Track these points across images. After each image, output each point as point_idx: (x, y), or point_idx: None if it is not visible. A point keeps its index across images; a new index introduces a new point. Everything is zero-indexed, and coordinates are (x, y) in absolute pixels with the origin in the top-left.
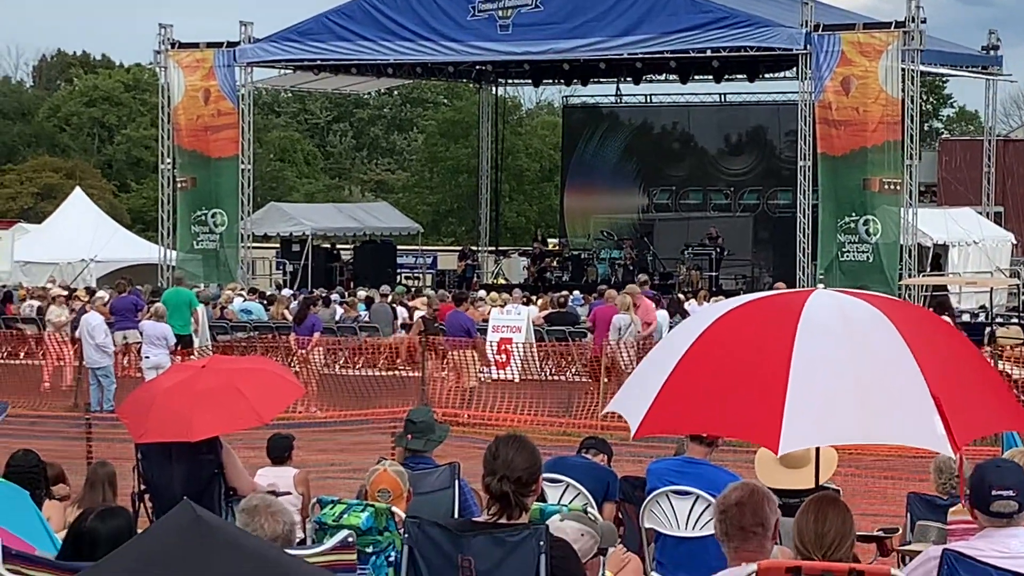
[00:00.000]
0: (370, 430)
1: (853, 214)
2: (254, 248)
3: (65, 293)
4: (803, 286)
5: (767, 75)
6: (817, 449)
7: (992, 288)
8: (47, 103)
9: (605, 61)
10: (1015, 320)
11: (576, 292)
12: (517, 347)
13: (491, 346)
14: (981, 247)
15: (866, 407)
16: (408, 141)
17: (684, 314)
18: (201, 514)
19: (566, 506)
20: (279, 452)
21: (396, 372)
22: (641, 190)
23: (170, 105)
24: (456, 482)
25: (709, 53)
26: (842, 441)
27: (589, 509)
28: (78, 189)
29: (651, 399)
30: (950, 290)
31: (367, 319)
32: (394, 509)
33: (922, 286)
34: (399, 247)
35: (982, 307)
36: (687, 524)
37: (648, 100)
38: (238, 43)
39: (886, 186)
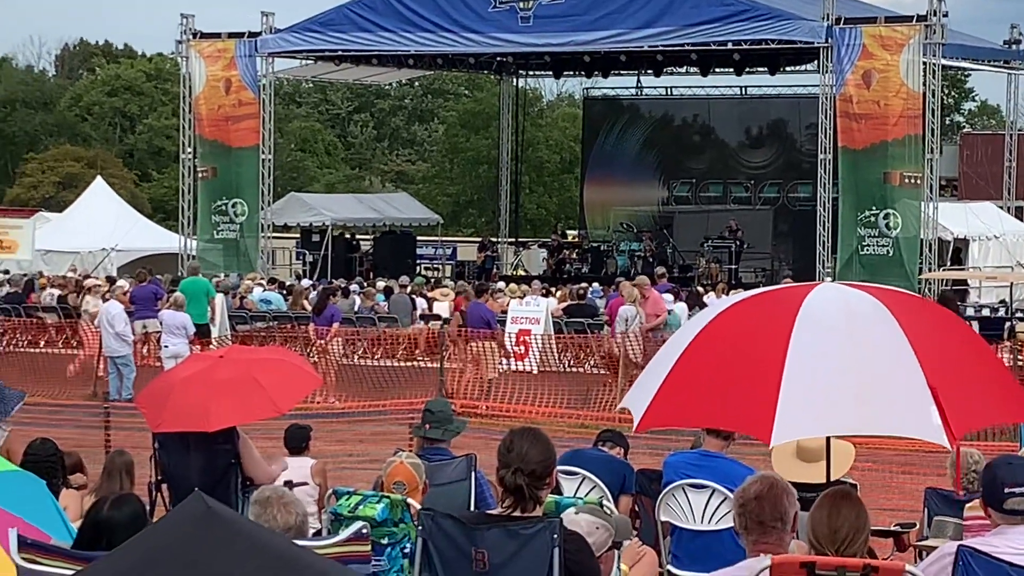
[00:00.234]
0: (388, 421)
1: (873, 208)
2: (274, 238)
3: (101, 283)
4: (823, 279)
5: (788, 68)
6: (828, 442)
7: (1012, 283)
8: (69, 92)
9: (626, 53)
10: None
11: (595, 284)
12: (536, 339)
13: (510, 337)
14: (1001, 241)
15: (861, 398)
16: (429, 132)
17: (703, 307)
18: (212, 505)
19: (581, 499)
20: (296, 443)
21: (415, 363)
22: (661, 182)
23: (191, 95)
24: (472, 474)
25: (730, 46)
26: (836, 432)
27: (605, 502)
28: (99, 178)
29: (653, 393)
30: (970, 284)
31: (386, 309)
32: (409, 501)
33: (942, 280)
34: (419, 238)
35: (1002, 301)
36: (703, 517)
37: (669, 92)
38: (259, 33)
39: (906, 180)
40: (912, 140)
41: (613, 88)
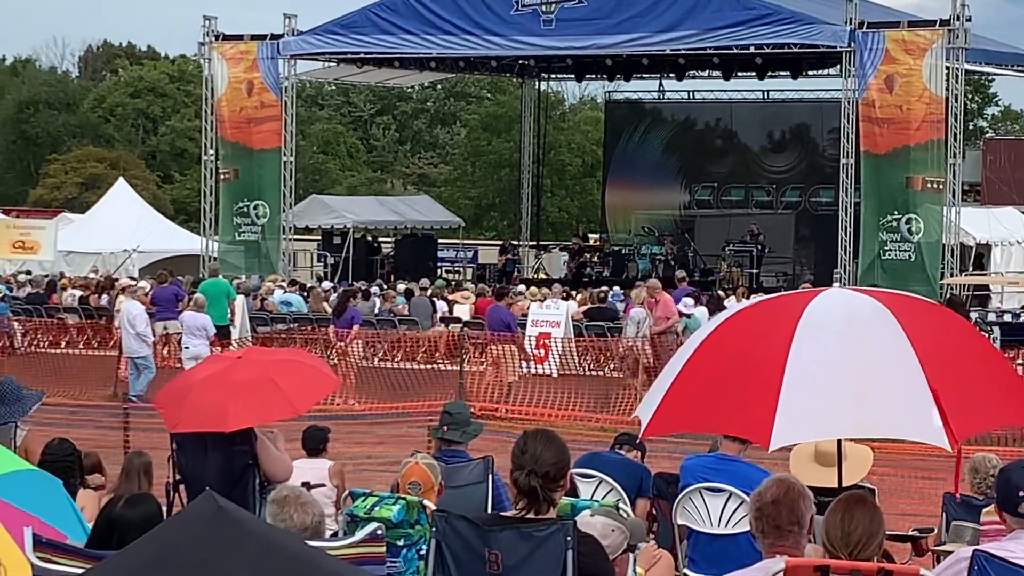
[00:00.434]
0: (407, 423)
1: (895, 212)
2: (296, 240)
3: (136, 283)
4: (844, 285)
5: (811, 72)
6: (840, 446)
7: None
8: (92, 94)
9: (648, 57)
10: None
11: (616, 288)
12: (556, 342)
13: (530, 340)
14: None
15: (861, 401)
16: (451, 135)
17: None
18: (223, 505)
19: (597, 501)
20: (314, 444)
21: (434, 365)
22: (683, 186)
23: (213, 97)
24: (490, 476)
25: (752, 50)
26: (836, 436)
27: (621, 505)
28: (121, 180)
29: (659, 400)
30: (992, 290)
31: (406, 311)
32: (425, 502)
33: (964, 285)
34: (440, 241)
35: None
36: (720, 521)
37: (691, 96)
38: (282, 35)
39: (929, 185)
40: (935, 145)
41: (635, 91)
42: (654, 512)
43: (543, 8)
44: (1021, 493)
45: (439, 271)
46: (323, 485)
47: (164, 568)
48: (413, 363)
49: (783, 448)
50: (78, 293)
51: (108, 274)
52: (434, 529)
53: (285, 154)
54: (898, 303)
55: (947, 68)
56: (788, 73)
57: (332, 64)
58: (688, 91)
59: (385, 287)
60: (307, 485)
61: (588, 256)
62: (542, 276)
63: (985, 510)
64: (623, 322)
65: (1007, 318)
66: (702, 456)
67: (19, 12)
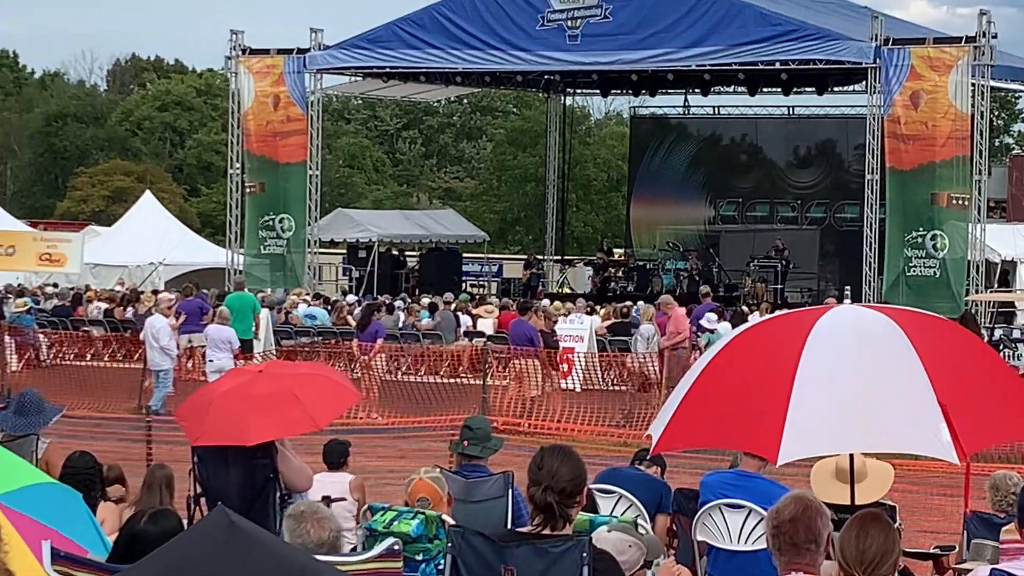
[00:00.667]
0: (430, 437)
1: (920, 229)
2: (321, 253)
3: (172, 297)
4: (869, 301)
5: (836, 88)
6: (852, 462)
7: None
8: (120, 107)
9: (673, 72)
10: None
11: (640, 303)
12: (579, 357)
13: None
14: None
15: (869, 415)
16: (477, 149)
17: None
18: (235, 520)
19: (616, 517)
20: (335, 458)
21: (458, 380)
22: (708, 201)
23: (240, 110)
24: (510, 491)
25: (778, 65)
26: (844, 450)
27: (640, 521)
28: (148, 193)
29: (670, 415)
30: (1018, 306)
31: (430, 325)
32: (444, 517)
33: (989, 302)
34: (465, 255)
35: None
36: (739, 538)
37: (716, 112)
38: (308, 50)
39: (954, 201)
40: (960, 161)
41: (660, 107)
42: (674, 528)
43: (569, 23)
44: None
45: (464, 285)
46: (344, 499)
47: None
48: (436, 377)
49: (804, 465)
50: (103, 306)
51: (134, 287)
52: (449, 545)
53: (311, 167)
54: (907, 319)
55: (973, 85)
56: (814, 89)
57: (358, 78)
58: (713, 106)
59: (409, 301)
60: (328, 499)
61: (613, 271)
62: (566, 291)
63: (1005, 528)
64: (632, 338)
65: None
66: (722, 472)
67: (48, 26)
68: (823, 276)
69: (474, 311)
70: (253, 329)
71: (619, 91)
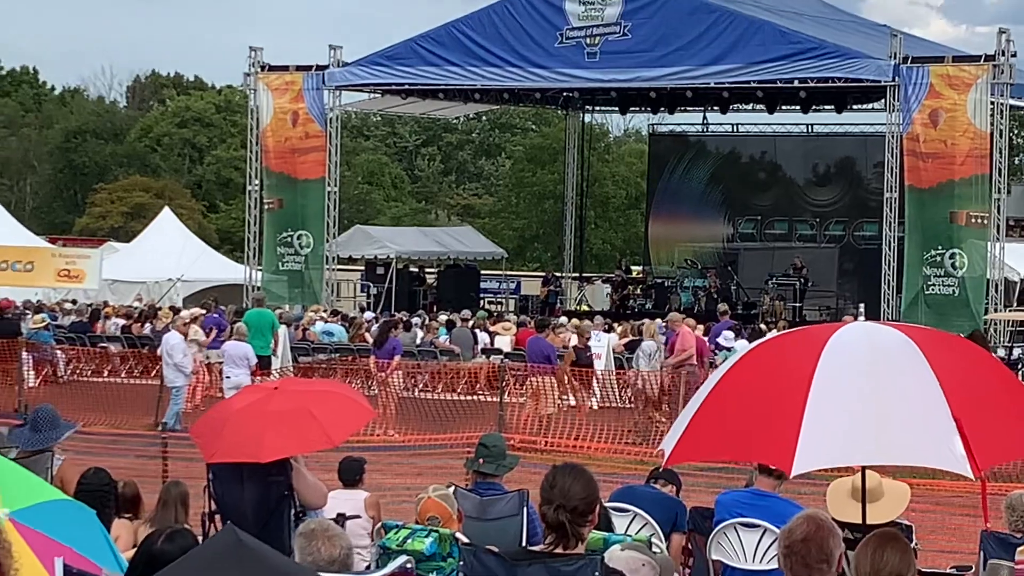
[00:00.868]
0: (447, 455)
1: (939, 247)
2: (339, 270)
3: (202, 312)
4: (888, 319)
5: (855, 106)
6: (863, 479)
7: None
8: (139, 123)
9: (692, 90)
10: None
11: (658, 320)
12: (596, 374)
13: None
14: None
15: (883, 428)
16: (495, 166)
17: None
18: (243, 538)
19: (631, 536)
20: (350, 475)
21: (475, 397)
22: (726, 219)
23: (259, 127)
24: (524, 509)
25: (797, 84)
26: (858, 462)
27: (654, 540)
28: (167, 209)
29: (683, 429)
30: None
31: (447, 343)
32: (458, 535)
33: (1008, 321)
34: (483, 272)
35: None
36: (754, 557)
37: (735, 129)
38: (327, 66)
39: (973, 220)
40: (979, 180)
41: (679, 124)
42: (689, 547)
43: (588, 41)
44: None
45: (482, 302)
46: (359, 516)
47: None
48: (454, 394)
49: (820, 483)
50: (121, 322)
51: (152, 303)
52: (462, 563)
53: (329, 184)
54: (921, 335)
55: (992, 103)
56: (832, 107)
57: (377, 95)
58: (732, 124)
59: (427, 318)
60: (343, 516)
61: (631, 288)
62: (585, 308)
63: (1020, 548)
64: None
65: None
66: (737, 491)
67: (69, 43)
68: (841, 294)
69: (492, 328)
70: (272, 346)
71: (638, 108)
